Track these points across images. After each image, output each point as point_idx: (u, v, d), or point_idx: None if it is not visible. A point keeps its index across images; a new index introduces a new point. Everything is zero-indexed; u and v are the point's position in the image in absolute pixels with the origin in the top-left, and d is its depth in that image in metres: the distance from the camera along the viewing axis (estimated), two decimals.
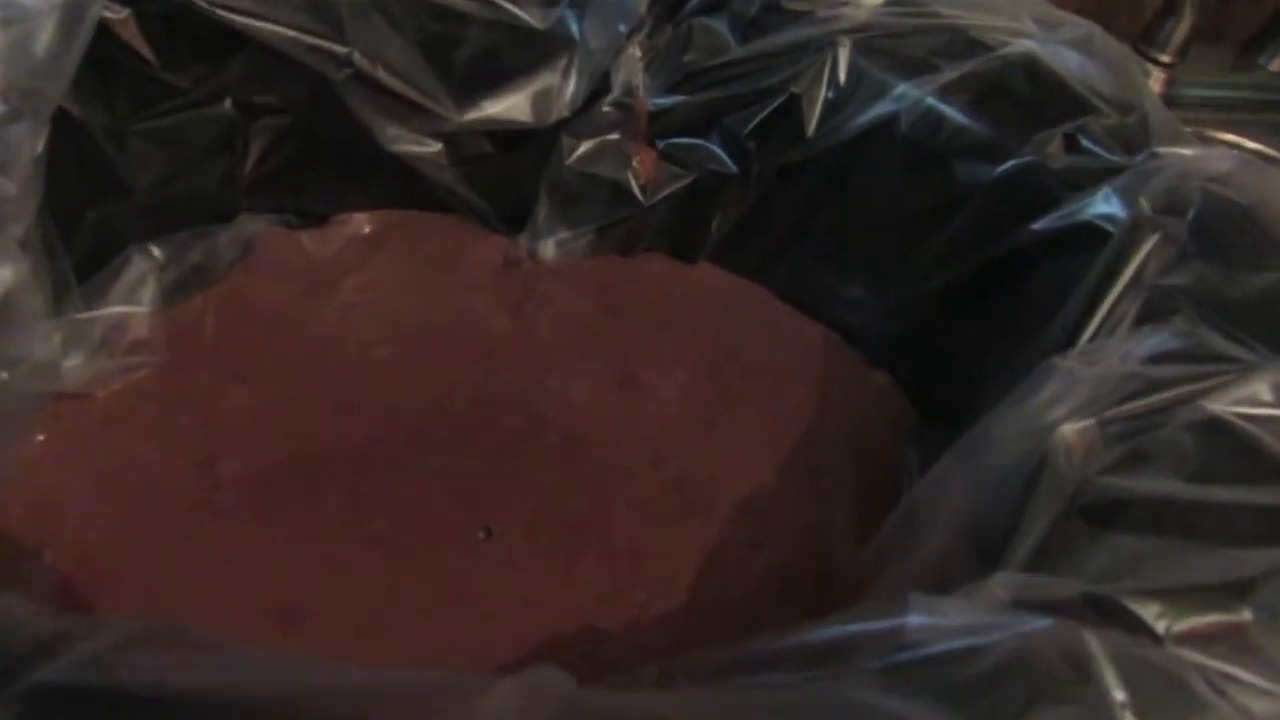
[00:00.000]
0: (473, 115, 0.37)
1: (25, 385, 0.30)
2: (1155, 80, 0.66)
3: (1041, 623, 0.18)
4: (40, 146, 0.29)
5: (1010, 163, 0.34)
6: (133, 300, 0.34)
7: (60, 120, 0.30)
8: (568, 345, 0.40)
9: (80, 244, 0.33)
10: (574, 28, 0.37)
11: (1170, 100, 0.66)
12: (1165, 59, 0.65)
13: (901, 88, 0.36)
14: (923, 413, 0.39)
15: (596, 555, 0.32)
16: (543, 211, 0.41)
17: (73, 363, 0.32)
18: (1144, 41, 0.65)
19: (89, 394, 0.33)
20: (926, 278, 0.38)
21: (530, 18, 0.36)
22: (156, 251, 0.35)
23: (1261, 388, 0.24)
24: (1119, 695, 0.17)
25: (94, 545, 0.30)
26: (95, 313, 0.33)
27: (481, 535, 0.33)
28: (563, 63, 0.37)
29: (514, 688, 0.15)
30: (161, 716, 0.15)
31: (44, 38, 0.28)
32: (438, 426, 0.36)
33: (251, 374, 0.37)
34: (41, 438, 0.32)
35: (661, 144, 0.40)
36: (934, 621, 0.19)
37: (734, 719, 0.15)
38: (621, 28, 0.37)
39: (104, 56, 0.31)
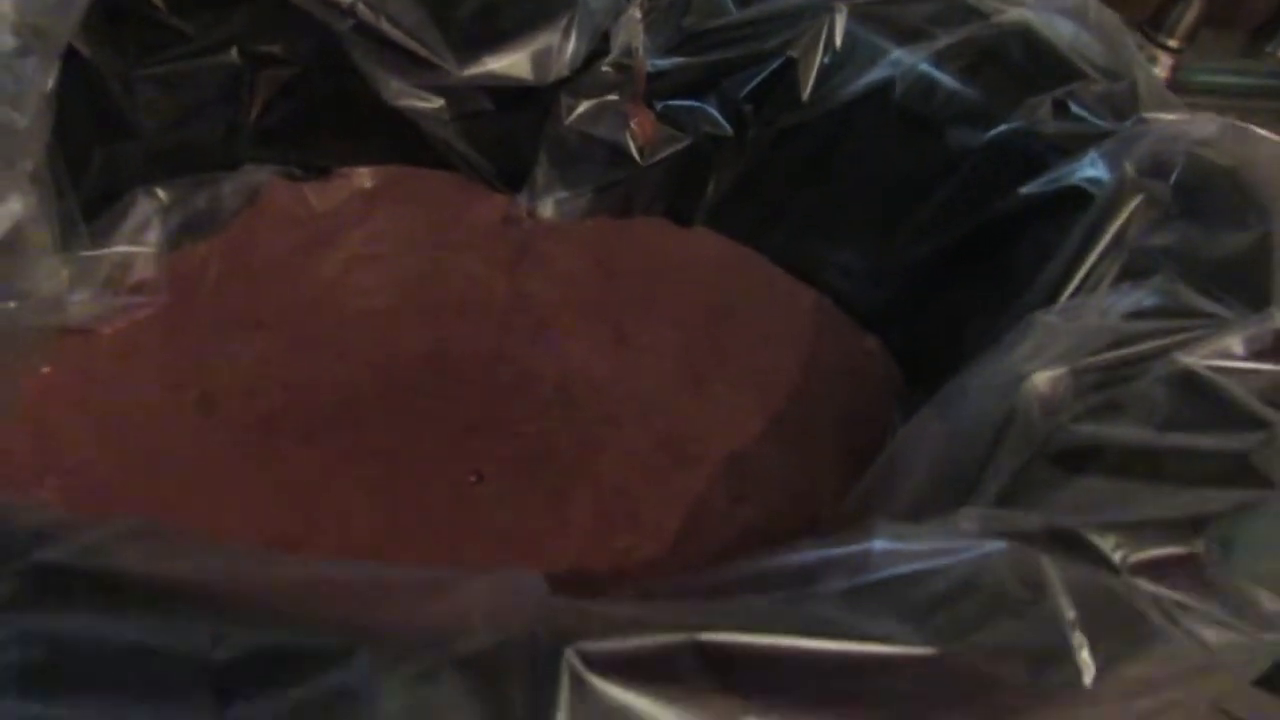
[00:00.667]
0: (473, 70, 0.37)
1: (32, 317, 0.31)
2: (1163, 66, 0.66)
3: (998, 545, 0.18)
4: (50, 83, 0.29)
5: (1000, 128, 0.35)
6: (138, 241, 0.35)
7: (71, 61, 0.31)
8: (563, 303, 0.41)
9: (88, 184, 0.33)
10: None
11: (1178, 86, 0.66)
12: (1173, 44, 0.66)
13: (896, 53, 0.37)
14: (911, 376, 0.40)
15: (584, 501, 0.33)
16: (541, 171, 0.42)
17: (78, 299, 0.33)
18: (1153, 26, 0.65)
19: (94, 330, 0.34)
20: (917, 242, 0.38)
21: None
22: (162, 194, 0.36)
23: (1234, 341, 0.25)
24: (1069, 613, 0.18)
25: (94, 474, 0.31)
26: (101, 251, 0.34)
27: (473, 479, 0.33)
28: (563, 22, 0.38)
29: (490, 582, 0.16)
30: (157, 600, 0.16)
31: None
32: (432, 376, 0.37)
33: (252, 321, 0.37)
34: (46, 369, 0.33)
35: (659, 106, 0.40)
36: (898, 546, 0.19)
37: (700, 619, 0.16)
38: None
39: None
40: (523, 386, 0.37)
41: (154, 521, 0.18)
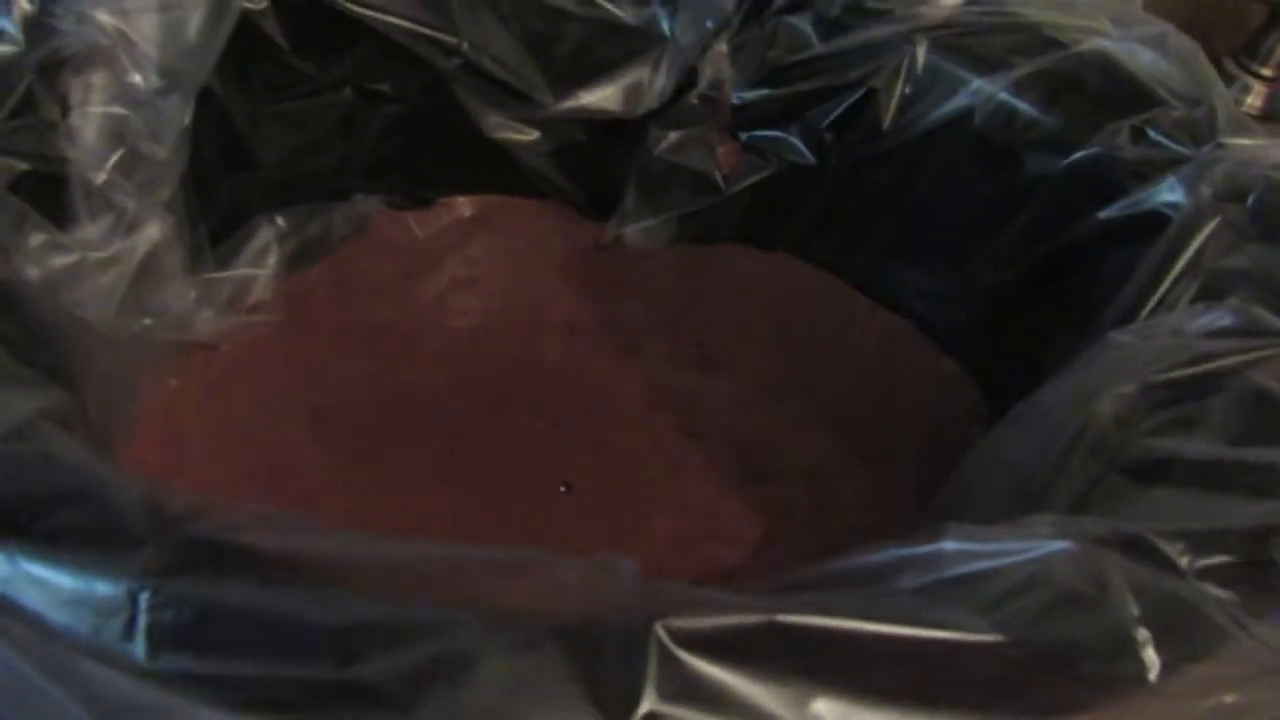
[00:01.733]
0: (569, 104, 0.39)
1: (164, 333, 0.34)
2: (1257, 94, 0.65)
3: (1064, 545, 0.19)
4: (187, 119, 0.32)
5: (1079, 154, 0.35)
6: (258, 264, 0.38)
7: (204, 99, 0.34)
8: (649, 325, 0.43)
9: (214, 211, 0.36)
10: (665, 24, 0.39)
11: (1272, 115, 0.65)
12: (1267, 73, 0.65)
13: (976, 83, 0.38)
14: (990, 399, 0.41)
15: (668, 511, 0.35)
16: (630, 199, 0.44)
17: (204, 317, 0.36)
18: (1246, 55, 0.65)
19: (215, 346, 0.37)
20: (996, 268, 0.39)
21: (625, 15, 0.39)
22: (281, 221, 0.39)
23: None
24: (1134, 610, 0.19)
25: (216, 477, 0.33)
26: (225, 274, 0.37)
27: (562, 489, 0.35)
28: (654, 57, 0.40)
29: (585, 564, 0.18)
30: (290, 572, 0.18)
31: (194, 23, 0.32)
32: (526, 391, 0.39)
33: (359, 340, 0.40)
34: (174, 382, 0.36)
35: (744, 136, 0.42)
36: (968, 546, 0.20)
37: (778, 604, 0.17)
38: (709, 24, 0.39)
39: (244, 43, 0.35)
40: (611, 403, 0.39)
41: (282, 511, 0.20)
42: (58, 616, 0.17)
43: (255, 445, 0.35)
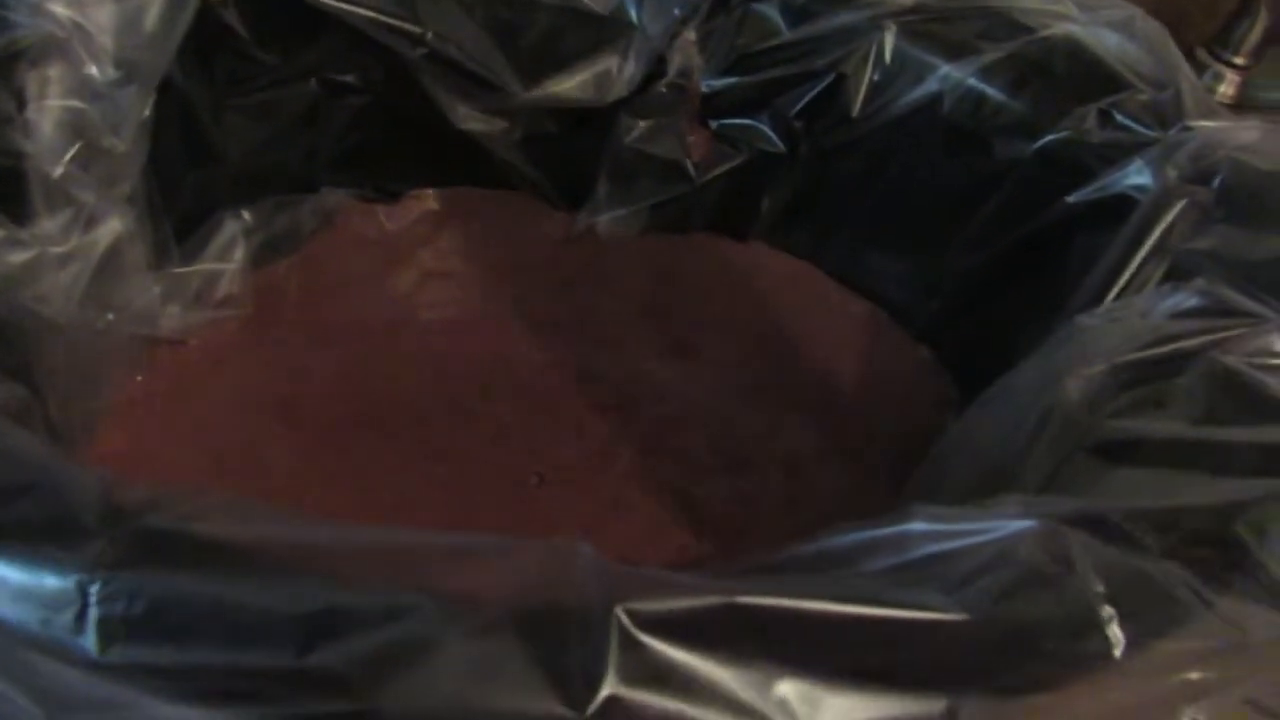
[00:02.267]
0: (537, 93, 0.39)
1: (128, 329, 0.33)
2: (1229, 83, 0.66)
3: (1028, 524, 0.19)
4: (147, 111, 0.32)
5: (1047, 138, 0.35)
6: (224, 259, 0.37)
7: (165, 91, 0.33)
8: (623, 315, 0.42)
9: (179, 206, 0.36)
10: (633, 12, 0.39)
11: (1244, 103, 0.65)
12: (1239, 61, 0.65)
13: (944, 69, 0.38)
14: (963, 386, 0.41)
15: (643, 500, 0.34)
16: (601, 189, 0.43)
17: (169, 312, 0.35)
18: (1219, 44, 0.65)
19: (183, 341, 0.36)
20: (967, 253, 0.39)
21: (592, 3, 0.39)
22: (247, 215, 0.38)
23: (1275, 339, 0.25)
24: (1098, 587, 0.19)
25: (185, 473, 0.33)
26: (191, 268, 0.36)
27: (534, 481, 0.35)
28: (622, 45, 0.39)
29: (545, 548, 0.18)
30: (246, 562, 0.17)
31: (152, 13, 0.31)
32: (499, 383, 0.38)
33: (329, 334, 0.39)
34: (140, 378, 0.35)
35: (714, 124, 0.42)
36: (934, 527, 0.20)
37: (740, 586, 0.17)
38: (677, 12, 0.39)
39: (205, 33, 0.34)
40: (585, 394, 0.38)
41: (245, 499, 0.19)
42: (6, 610, 0.17)
43: (224, 440, 0.35)
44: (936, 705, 0.18)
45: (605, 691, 0.16)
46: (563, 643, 0.17)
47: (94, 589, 0.16)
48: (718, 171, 0.42)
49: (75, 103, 0.30)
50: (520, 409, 0.37)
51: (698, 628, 0.17)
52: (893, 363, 0.42)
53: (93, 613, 0.16)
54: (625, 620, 0.17)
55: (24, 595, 0.17)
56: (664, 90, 0.41)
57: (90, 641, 0.16)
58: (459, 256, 0.43)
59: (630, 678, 0.16)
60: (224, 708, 0.16)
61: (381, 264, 0.42)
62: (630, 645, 0.17)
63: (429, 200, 0.44)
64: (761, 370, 0.41)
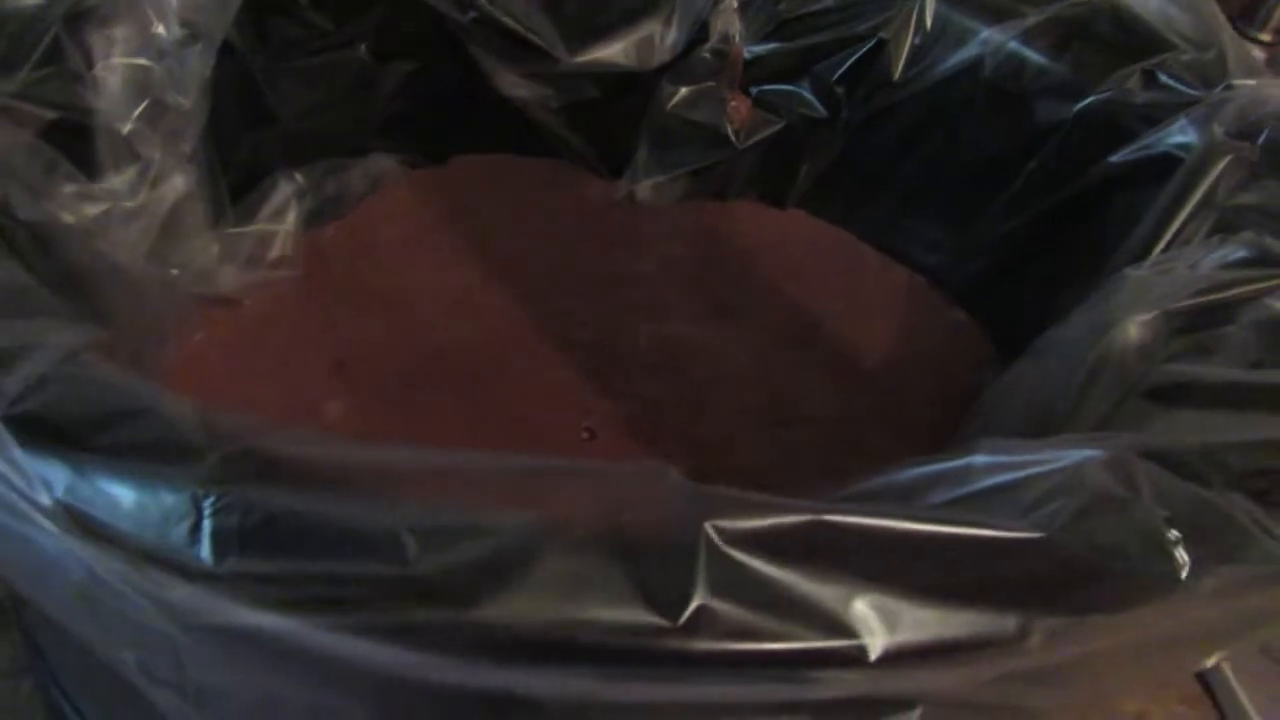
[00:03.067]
0: (582, 59, 0.40)
1: (190, 286, 0.34)
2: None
3: (1095, 452, 0.20)
4: (209, 71, 0.32)
5: (1089, 99, 0.36)
6: (278, 220, 0.38)
7: (223, 53, 0.34)
8: (664, 279, 0.43)
9: (234, 167, 0.37)
10: None
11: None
12: (1265, 38, 0.65)
13: (986, 33, 0.38)
14: (1001, 348, 0.41)
15: (689, 453, 0.35)
16: (642, 156, 0.44)
17: (226, 272, 0.36)
18: (1244, 20, 0.65)
19: (238, 301, 0.37)
20: (1007, 216, 0.39)
21: None
22: (300, 178, 0.39)
23: None
24: (1165, 512, 0.19)
25: None
26: (246, 229, 0.37)
27: (585, 435, 0.36)
28: (665, 11, 0.40)
29: (635, 470, 0.18)
30: (342, 477, 0.18)
31: None
32: (546, 344, 0.39)
33: (378, 296, 0.40)
34: (199, 336, 0.36)
35: (755, 90, 0.42)
36: (998, 459, 0.21)
37: (824, 505, 0.18)
38: None
39: None
40: (630, 354, 0.39)
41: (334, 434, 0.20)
42: (123, 525, 0.17)
43: (280, 398, 0.35)
44: (1009, 622, 0.18)
45: (696, 602, 0.17)
46: (654, 558, 0.17)
47: (208, 503, 0.17)
48: (758, 137, 0.43)
49: (142, 60, 0.31)
50: (567, 368, 0.38)
51: (783, 544, 0.18)
52: (930, 325, 0.42)
53: (207, 525, 0.17)
54: (714, 536, 0.17)
55: (141, 510, 0.17)
56: (706, 56, 0.41)
57: (205, 552, 0.17)
58: (502, 222, 0.44)
59: (719, 590, 0.17)
60: (330, 616, 0.17)
61: (426, 227, 0.43)
62: (719, 559, 0.17)
63: (472, 166, 0.45)
64: (800, 333, 0.42)
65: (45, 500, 0.17)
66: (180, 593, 0.17)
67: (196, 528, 0.17)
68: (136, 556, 0.17)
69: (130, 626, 0.18)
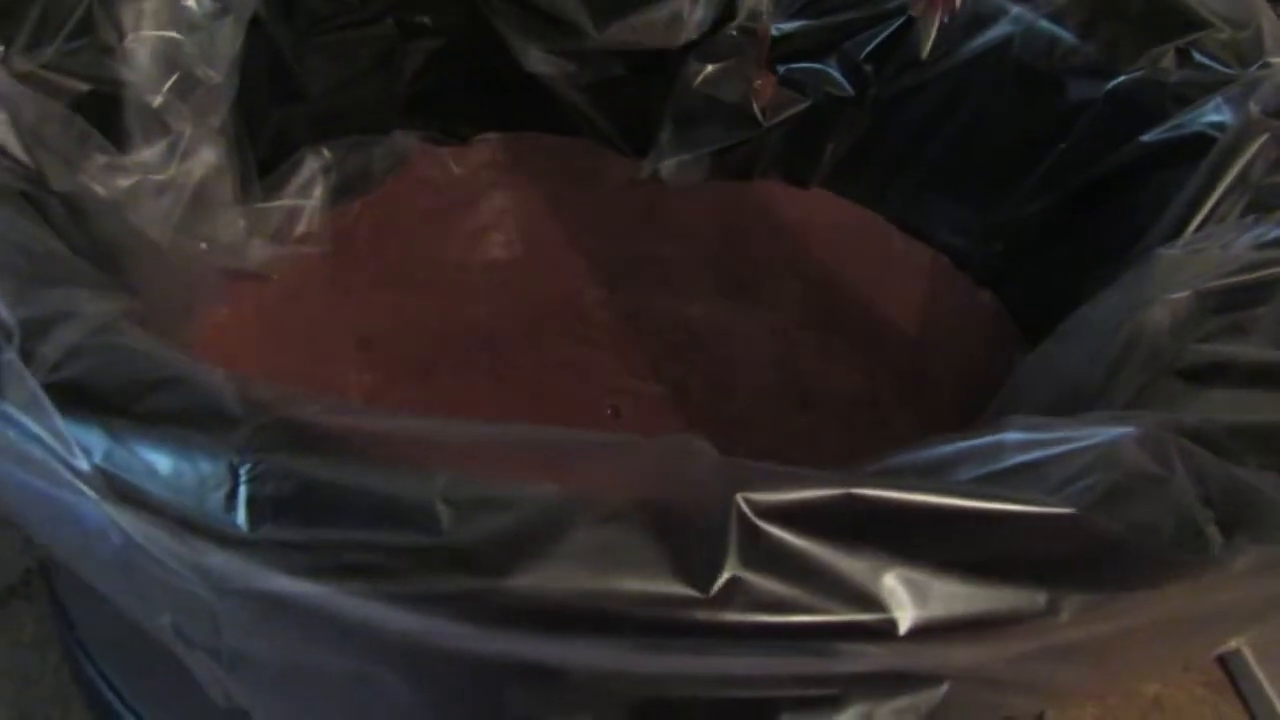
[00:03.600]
0: (609, 35, 0.39)
1: (218, 259, 0.34)
2: None
3: (1130, 429, 0.20)
4: (238, 45, 0.32)
5: (1121, 78, 0.35)
6: (304, 196, 0.38)
7: (252, 28, 0.34)
8: (687, 258, 0.43)
9: (261, 142, 0.37)
10: None
11: None
12: None
13: (1016, 10, 0.38)
14: (1026, 330, 0.41)
15: (713, 431, 0.35)
16: (666, 134, 0.44)
17: (254, 246, 0.36)
18: None
19: (264, 276, 0.37)
20: (1034, 197, 0.39)
21: None
22: (327, 153, 0.39)
23: None
24: (1199, 490, 0.19)
25: None
26: (273, 204, 0.37)
27: (609, 413, 0.36)
28: None
29: (668, 443, 0.18)
30: (383, 446, 0.18)
31: None
32: (570, 322, 0.39)
33: (402, 272, 0.40)
34: (226, 310, 0.36)
35: (782, 69, 0.42)
36: (1030, 436, 0.21)
37: (854, 479, 0.18)
38: None
39: None
40: (653, 332, 0.39)
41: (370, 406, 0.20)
42: (160, 491, 0.18)
43: (305, 370, 0.36)
44: (1039, 597, 0.18)
45: (727, 574, 0.17)
46: (686, 529, 0.17)
47: (244, 470, 0.17)
48: (784, 116, 0.42)
49: (173, 34, 0.31)
50: (592, 345, 0.38)
51: (813, 517, 0.18)
52: (955, 306, 0.42)
53: (243, 492, 0.17)
54: (745, 508, 0.17)
55: (178, 477, 0.17)
56: (733, 33, 0.41)
57: (241, 519, 0.17)
58: (525, 199, 0.44)
59: (750, 561, 0.17)
60: (363, 583, 0.17)
61: (450, 205, 0.43)
62: (750, 531, 0.17)
63: (496, 144, 0.45)
64: (823, 313, 0.42)
65: (84, 466, 0.18)
66: (216, 558, 0.17)
67: (232, 495, 0.17)
68: (173, 522, 0.17)
69: (167, 591, 0.18)
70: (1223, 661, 0.42)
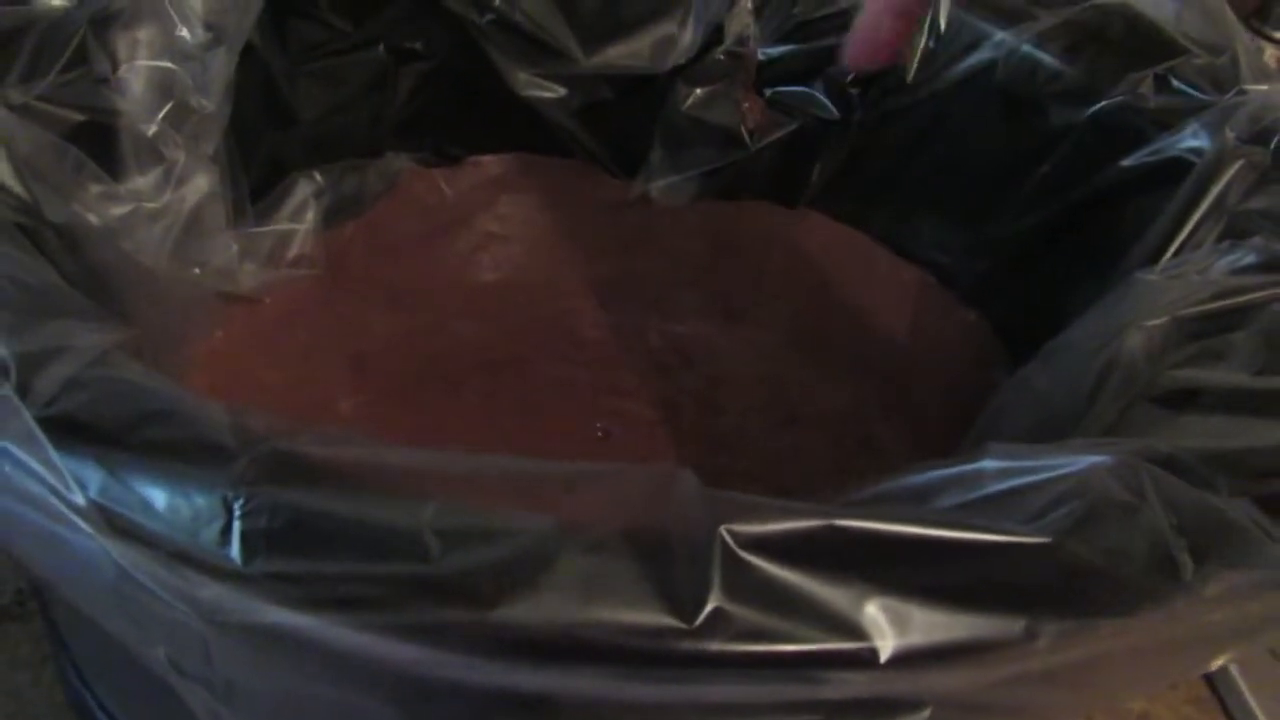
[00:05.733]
0: (598, 60, 0.40)
1: (211, 284, 0.35)
2: (1269, 58, 0.66)
3: (1103, 458, 0.20)
4: (231, 74, 0.33)
5: (1102, 103, 0.36)
6: (296, 220, 0.39)
7: (245, 55, 0.34)
8: (676, 279, 0.43)
9: (254, 167, 0.37)
10: None
11: None
12: (1279, 35, 0.65)
13: (999, 36, 0.38)
14: (1013, 349, 0.41)
15: (703, 451, 0.36)
16: (655, 156, 0.44)
17: (246, 270, 0.36)
18: (1258, 19, 0.65)
19: (258, 299, 0.38)
20: (1018, 218, 0.40)
21: None
22: (319, 177, 0.40)
23: None
24: (1171, 518, 0.20)
25: None
26: (265, 228, 0.37)
27: (599, 434, 0.36)
28: (680, 12, 0.40)
29: (651, 473, 0.19)
30: (374, 479, 0.19)
31: None
32: (561, 343, 0.40)
33: (395, 294, 0.41)
34: (220, 333, 0.37)
35: (769, 91, 0.43)
36: (1008, 464, 0.21)
37: (835, 511, 0.18)
38: None
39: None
40: (643, 353, 0.40)
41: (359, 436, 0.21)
42: (155, 525, 0.18)
43: (298, 393, 0.36)
44: (1017, 624, 0.19)
45: (711, 605, 0.17)
46: (670, 561, 0.18)
47: (238, 504, 0.18)
48: (771, 138, 0.43)
49: (166, 64, 0.31)
50: (583, 367, 0.39)
51: (795, 547, 0.18)
52: (940, 326, 0.43)
53: (237, 526, 0.18)
54: (728, 539, 0.18)
55: (173, 511, 0.18)
56: (721, 57, 0.42)
57: (235, 552, 0.17)
58: (516, 221, 0.45)
59: (734, 592, 0.18)
60: (355, 615, 0.18)
61: (442, 227, 0.44)
62: (733, 563, 0.18)
63: (487, 166, 0.45)
64: (811, 332, 0.42)
65: (80, 501, 0.18)
66: (210, 591, 0.18)
67: (227, 529, 0.18)
68: (168, 556, 0.18)
69: (161, 623, 0.18)
70: (1209, 679, 0.42)
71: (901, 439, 0.38)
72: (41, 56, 0.29)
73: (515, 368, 0.38)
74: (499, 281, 0.42)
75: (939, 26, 0.39)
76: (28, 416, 0.19)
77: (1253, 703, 0.40)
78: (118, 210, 0.29)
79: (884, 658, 0.18)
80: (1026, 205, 0.39)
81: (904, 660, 0.18)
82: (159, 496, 0.18)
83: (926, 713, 0.20)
